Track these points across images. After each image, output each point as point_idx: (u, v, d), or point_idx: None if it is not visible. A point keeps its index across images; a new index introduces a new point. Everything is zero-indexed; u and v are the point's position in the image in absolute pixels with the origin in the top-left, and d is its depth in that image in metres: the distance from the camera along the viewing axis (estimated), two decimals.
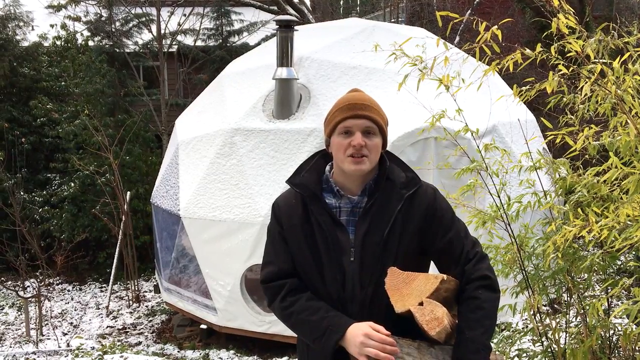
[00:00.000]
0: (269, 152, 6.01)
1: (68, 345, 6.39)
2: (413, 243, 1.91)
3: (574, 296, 3.17)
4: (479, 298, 1.82)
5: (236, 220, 5.96)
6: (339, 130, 1.92)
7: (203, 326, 6.63)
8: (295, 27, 6.18)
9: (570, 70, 2.31)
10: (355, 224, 1.92)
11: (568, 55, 2.30)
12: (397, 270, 1.84)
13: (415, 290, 1.79)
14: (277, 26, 6.02)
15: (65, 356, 5.65)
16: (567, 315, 3.18)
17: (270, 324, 5.93)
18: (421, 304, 1.78)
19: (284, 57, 6.03)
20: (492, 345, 2.06)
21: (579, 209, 2.71)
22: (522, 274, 3.22)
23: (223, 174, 6.18)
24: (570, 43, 2.19)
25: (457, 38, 11.36)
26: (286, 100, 6.07)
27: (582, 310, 3.08)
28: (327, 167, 2.04)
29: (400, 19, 15.79)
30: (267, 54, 6.97)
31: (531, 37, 12.06)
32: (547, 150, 6.24)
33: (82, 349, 5.98)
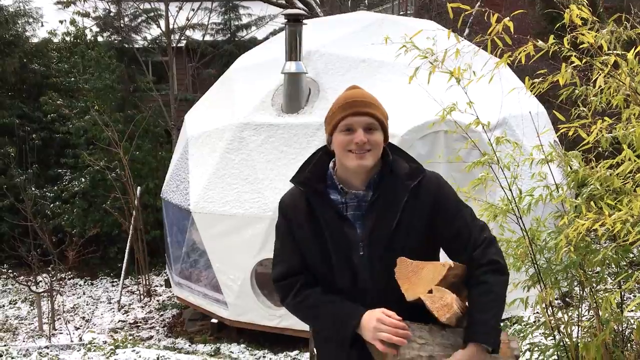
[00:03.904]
0: (279, 146, 6.01)
1: (80, 339, 6.44)
2: (421, 233, 1.94)
3: (586, 290, 3.15)
4: (488, 282, 1.87)
5: (246, 214, 5.97)
6: (340, 128, 1.93)
7: (214, 320, 6.66)
8: (304, 21, 6.16)
9: (583, 62, 2.28)
10: (362, 218, 1.95)
11: (580, 47, 2.28)
12: (406, 260, 1.89)
13: (424, 279, 1.85)
14: (286, 20, 6.01)
15: (78, 350, 5.70)
16: (580, 309, 3.16)
17: (281, 318, 5.94)
18: (430, 291, 1.83)
19: (293, 51, 6.01)
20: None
21: (592, 202, 2.69)
22: (534, 267, 3.20)
23: (233, 168, 6.19)
24: (583, 34, 2.16)
25: (467, 30, 11.28)
26: (295, 94, 6.06)
27: (595, 304, 3.06)
28: (330, 164, 2.05)
29: (409, 12, 15.71)
30: (275, 48, 6.95)
31: (541, 28, 11.94)
32: (559, 143, 6.19)
33: (94, 343, 6.03)
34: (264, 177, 5.98)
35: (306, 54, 6.30)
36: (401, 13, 15.30)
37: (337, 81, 6.20)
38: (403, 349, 1.79)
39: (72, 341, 6.29)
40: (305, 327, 4.83)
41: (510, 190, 3.23)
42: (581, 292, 3.16)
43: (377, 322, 1.80)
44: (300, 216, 1.99)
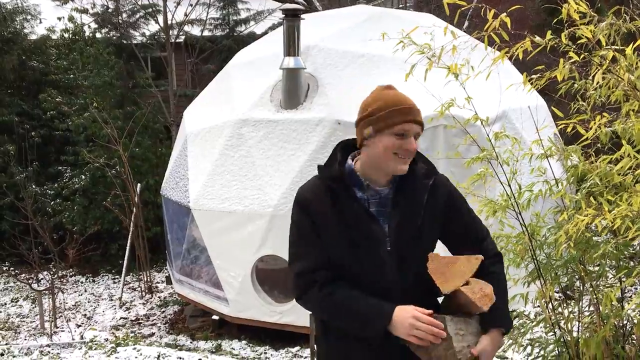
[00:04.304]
0: (278, 142, 5.99)
1: (82, 337, 6.45)
2: (436, 229, 2.06)
3: (586, 285, 3.14)
4: (497, 272, 2.04)
5: (246, 211, 5.96)
6: (394, 131, 1.93)
7: (215, 317, 6.66)
8: (302, 16, 6.13)
9: (581, 57, 2.25)
10: (385, 214, 2.00)
11: (579, 41, 2.25)
12: (438, 255, 1.99)
13: (458, 272, 1.94)
14: (284, 15, 5.97)
15: (79, 349, 5.70)
16: (580, 304, 3.14)
17: (282, 314, 5.94)
18: (466, 283, 1.93)
19: (291, 46, 5.98)
20: None
21: (591, 198, 2.67)
22: (534, 263, 3.18)
23: (232, 165, 6.18)
24: (580, 29, 2.14)
25: (467, 23, 11.23)
26: (294, 90, 6.03)
27: (595, 300, 3.05)
28: (350, 161, 2.06)
29: (408, 4, 15.64)
30: (274, 43, 6.92)
31: (541, 20, 11.88)
32: (559, 136, 6.17)
33: (95, 341, 6.03)
34: (264, 173, 5.96)
35: (304, 49, 6.26)
36: (401, 6, 15.23)
37: (336, 76, 6.18)
38: (455, 342, 1.87)
39: (73, 339, 6.29)
40: (306, 323, 4.81)
41: (510, 185, 3.21)
42: (581, 287, 3.14)
43: (413, 319, 1.85)
44: (325, 211, 1.98)
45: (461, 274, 1.93)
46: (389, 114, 1.92)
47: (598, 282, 3.22)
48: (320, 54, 6.36)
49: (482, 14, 2.20)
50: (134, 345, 5.58)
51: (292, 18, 5.93)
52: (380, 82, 6.77)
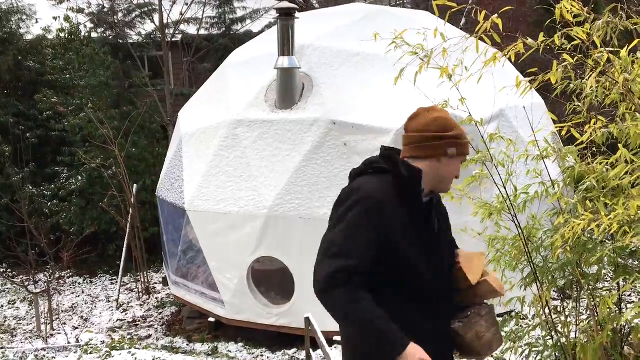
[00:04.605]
0: (273, 143, 5.93)
1: (77, 340, 6.41)
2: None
3: (583, 289, 3.08)
4: None
5: (241, 212, 5.90)
6: (462, 159, 2.17)
7: (211, 319, 6.61)
8: (296, 15, 6.06)
9: (575, 59, 2.20)
10: (429, 222, 2.17)
11: (574, 42, 2.19)
12: (462, 250, 2.27)
13: (477, 266, 2.20)
14: (278, 14, 5.91)
15: (75, 352, 5.66)
16: (577, 309, 3.09)
17: (278, 316, 5.90)
18: (483, 275, 2.19)
19: (285, 45, 5.92)
20: (503, 334, 2.54)
21: (588, 201, 2.61)
22: (530, 266, 3.13)
23: (227, 166, 6.12)
24: (572, 30, 2.08)
25: (464, 20, 11.16)
26: (288, 89, 5.98)
27: (593, 304, 3.00)
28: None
29: (406, 2, 15.55)
30: (269, 42, 6.85)
31: (539, 16, 11.80)
32: (557, 134, 6.11)
33: (91, 344, 5.99)
34: (259, 174, 5.91)
35: (299, 48, 6.20)
36: (398, 4, 15.15)
37: (331, 75, 6.12)
38: (484, 332, 2.13)
39: (68, 342, 6.25)
40: (302, 324, 4.76)
41: (505, 187, 3.16)
42: (578, 290, 3.09)
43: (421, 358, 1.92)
44: (395, 213, 2.03)
45: (479, 267, 2.19)
46: (465, 145, 2.15)
47: (595, 285, 3.17)
48: (315, 53, 6.30)
49: (473, 14, 2.15)
50: (129, 349, 5.54)
51: (286, 17, 5.88)
52: (376, 81, 6.73)
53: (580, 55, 2.18)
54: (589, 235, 2.71)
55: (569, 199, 2.73)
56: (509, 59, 2.60)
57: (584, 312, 3.15)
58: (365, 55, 6.24)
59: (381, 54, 6.09)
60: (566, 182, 3.09)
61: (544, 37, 2.18)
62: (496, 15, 2.11)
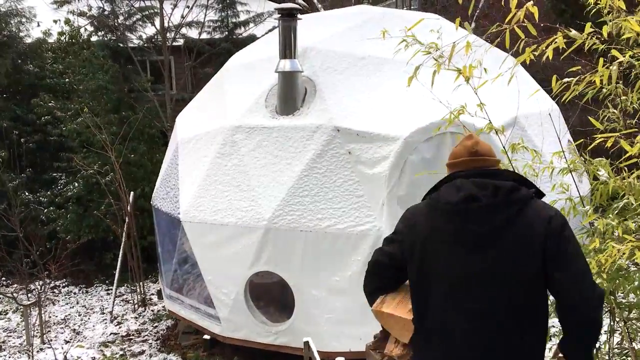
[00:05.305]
0: (273, 150, 5.60)
1: (65, 358, 6.06)
2: None
3: (616, 319, 2.73)
4: None
5: (239, 224, 5.57)
6: None
7: (206, 336, 6.26)
8: (299, 16, 5.75)
9: (624, 59, 1.86)
10: None
11: (622, 38, 1.86)
12: None
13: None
14: (279, 15, 5.60)
15: None
16: (610, 342, 2.74)
17: (277, 335, 5.55)
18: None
19: (287, 48, 5.61)
20: None
21: (627, 222, 2.27)
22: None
23: (224, 174, 5.80)
24: (625, 21, 1.75)
25: (473, 24, 10.83)
26: (290, 94, 5.65)
27: (628, 336, 2.64)
28: None
29: (412, 6, 15.25)
30: (270, 45, 6.53)
31: (551, 21, 11.47)
32: (572, 141, 5.75)
33: None
34: (258, 183, 5.58)
35: (302, 51, 5.89)
36: (405, 8, 14.85)
37: (335, 80, 5.79)
38: None
39: (55, 359, 5.91)
40: (302, 344, 4.42)
41: None
42: (612, 322, 2.74)
43: None
44: None
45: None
46: None
47: (630, 315, 2.81)
48: (319, 56, 5.97)
49: (502, 3, 1.82)
50: None
51: (288, 18, 5.57)
52: (383, 86, 6.35)
53: (631, 53, 1.84)
54: (628, 262, 2.37)
55: (608, 220, 2.38)
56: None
57: (619, 344, 2.80)
58: (372, 58, 5.91)
59: (389, 58, 5.75)
60: (597, 199, 2.75)
61: (591, 27, 1.84)
62: (531, 2, 1.78)
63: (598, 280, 2.33)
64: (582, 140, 2.78)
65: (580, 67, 2.13)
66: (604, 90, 2.65)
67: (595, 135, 2.34)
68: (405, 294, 2.22)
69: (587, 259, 2.58)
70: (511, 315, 2.03)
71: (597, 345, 3.10)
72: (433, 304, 2.07)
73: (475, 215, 2.00)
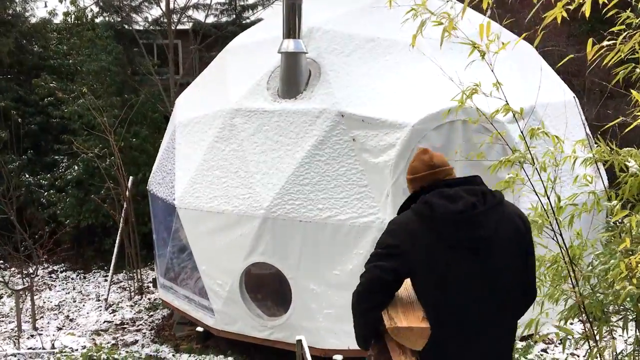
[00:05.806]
0: (273, 135, 5.31)
1: (53, 346, 5.83)
2: None
3: None
4: None
5: (235, 212, 5.29)
6: None
7: (199, 328, 6.01)
8: None
9: None
10: None
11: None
12: None
13: None
14: None
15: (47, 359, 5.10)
16: (636, 355, 2.44)
17: (273, 330, 5.29)
18: None
19: (291, 27, 5.30)
20: None
21: None
22: (576, 296, 2.48)
23: (222, 160, 5.52)
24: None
25: (488, 12, 10.44)
26: (293, 76, 5.35)
27: None
28: None
29: None
30: (274, 26, 6.22)
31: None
32: (590, 135, 5.42)
33: (65, 352, 5.42)
34: (256, 170, 5.29)
35: (307, 31, 5.58)
36: None
37: (341, 62, 5.48)
38: None
39: (43, 348, 5.68)
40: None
41: (548, 196, 2.51)
42: (638, 332, 2.44)
43: None
44: None
45: None
46: None
47: None
48: (325, 37, 5.65)
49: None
50: (106, 358, 4.96)
51: None
52: (392, 70, 5.98)
53: None
54: None
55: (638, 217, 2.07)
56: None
57: None
58: (381, 41, 5.59)
59: (399, 40, 5.46)
60: (625, 194, 2.44)
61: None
62: None
63: (628, 287, 2.03)
64: (608, 125, 2.46)
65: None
66: (637, 70, 2.34)
67: (627, 119, 2.04)
68: (401, 304, 2.11)
69: (612, 261, 2.28)
70: (511, 315, 2.13)
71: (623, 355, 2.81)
72: (452, 310, 2.05)
73: (480, 221, 2.05)
